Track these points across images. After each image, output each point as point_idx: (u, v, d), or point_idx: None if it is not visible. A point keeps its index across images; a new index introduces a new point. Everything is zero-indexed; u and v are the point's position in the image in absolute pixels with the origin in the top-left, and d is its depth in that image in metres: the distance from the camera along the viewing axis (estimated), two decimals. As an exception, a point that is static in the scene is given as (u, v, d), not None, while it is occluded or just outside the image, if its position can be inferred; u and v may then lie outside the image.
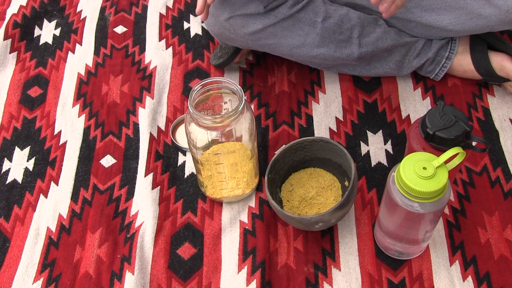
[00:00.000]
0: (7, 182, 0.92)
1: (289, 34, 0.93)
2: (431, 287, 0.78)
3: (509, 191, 0.88)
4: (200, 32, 1.14)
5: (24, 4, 1.18)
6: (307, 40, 0.93)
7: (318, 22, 0.91)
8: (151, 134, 0.96)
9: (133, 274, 0.79)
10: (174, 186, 0.90)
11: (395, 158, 0.92)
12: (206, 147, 0.77)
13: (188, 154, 0.94)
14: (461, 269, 0.80)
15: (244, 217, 0.86)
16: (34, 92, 1.05)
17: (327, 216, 0.75)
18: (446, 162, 0.66)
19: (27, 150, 0.96)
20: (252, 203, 0.88)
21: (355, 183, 0.77)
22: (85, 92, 1.04)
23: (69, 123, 1.00)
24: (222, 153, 0.78)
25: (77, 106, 1.02)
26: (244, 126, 0.76)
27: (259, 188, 0.89)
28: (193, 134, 0.75)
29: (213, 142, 0.76)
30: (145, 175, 0.91)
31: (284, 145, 0.94)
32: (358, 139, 0.95)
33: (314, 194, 0.84)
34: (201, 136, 0.75)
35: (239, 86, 0.73)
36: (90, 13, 1.19)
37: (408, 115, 0.98)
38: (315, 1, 0.92)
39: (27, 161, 0.95)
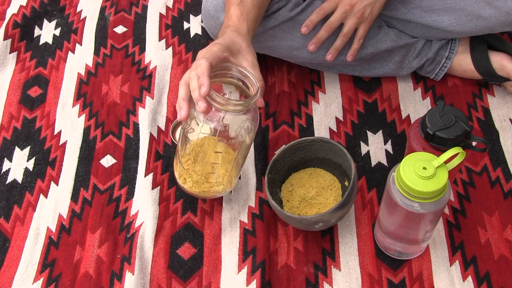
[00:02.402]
0: (7, 182, 0.92)
1: (289, 36, 0.93)
2: (431, 287, 0.78)
3: (509, 191, 0.88)
4: (200, 32, 1.14)
5: (24, 4, 1.18)
6: (307, 42, 0.93)
7: (318, 24, 0.91)
8: (151, 134, 0.96)
9: (133, 274, 0.79)
10: (174, 186, 0.90)
11: (395, 158, 0.92)
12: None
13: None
14: (461, 269, 0.80)
15: (244, 217, 0.86)
16: (34, 92, 1.05)
17: (327, 216, 0.75)
18: (446, 162, 0.66)
19: (27, 150, 0.96)
20: (252, 203, 0.88)
21: (355, 183, 0.77)
22: (85, 92, 1.04)
23: (69, 123, 1.00)
24: (226, 140, 0.75)
25: (77, 106, 1.02)
26: (245, 123, 0.74)
27: (259, 188, 0.89)
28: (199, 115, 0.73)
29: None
30: (145, 175, 0.91)
31: (284, 145, 0.94)
32: (358, 139, 0.95)
33: (314, 194, 0.84)
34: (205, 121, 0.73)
35: (255, 76, 0.72)
36: (90, 13, 1.19)
37: (408, 115, 0.98)
38: (315, 3, 0.92)
39: (27, 161, 0.95)
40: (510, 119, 0.97)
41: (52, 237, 0.85)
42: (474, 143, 0.72)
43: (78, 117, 1.00)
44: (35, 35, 1.15)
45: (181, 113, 0.71)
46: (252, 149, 0.94)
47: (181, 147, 0.79)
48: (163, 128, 0.98)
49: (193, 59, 1.09)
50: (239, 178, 0.88)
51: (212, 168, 0.79)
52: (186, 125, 0.76)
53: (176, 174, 0.83)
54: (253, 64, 0.74)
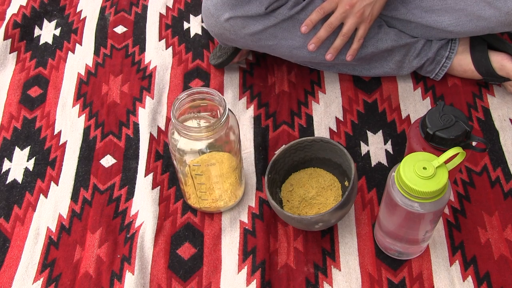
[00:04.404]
0: (7, 182, 0.92)
1: (289, 35, 0.93)
2: (431, 287, 0.78)
3: (509, 191, 0.88)
4: (200, 32, 1.14)
5: (24, 4, 1.18)
6: (307, 41, 0.93)
7: (319, 23, 0.91)
8: (151, 134, 0.96)
9: (133, 274, 0.79)
10: (174, 186, 0.90)
11: (395, 158, 0.92)
12: (192, 154, 0.76)
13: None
14: (461, 269, 0.80)
15: (244, 217, 0.86)
16: (34, 92, 1.05)
17: (327, 216, 0.75)
18: (446, 162, 0.66)
19: (27, 150, 0.96)
20: (252, 203, 0.88)
21: (355, 183, 0.77)
22: (85, 92, 1.04)
23: (69, 123, 1.00)
24: (202, 165, 0.76)
25: (77, 106, 1.02)
26: (227, 138, 0.74)
27: (259, 188, 0.89)
28: (176, 142, 0.74)
29: (199, 152, 0.75)
30: (145, 175, 0.91)
31: (284, 145, 0.94)
32: (358, 139, 0.95)
33: (314, 194, 0.84)
34: (184, 146, 0.74)
35: (222, 97, 0.72)
36: (90, 13, 1.19)
37: (408, 115, 0.98)
38: (315, 2, 0.92)
39: (27, 161, 0.95)
40: (510, 119, 0.97)
41: (52, 237, 0.85)
42: (474, 143, 0.72)
43: (78, 117, 1.00)
44: (35, 35, 1.15)
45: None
46: (252, 149, 0.94)
47: (179, 168, 0.79)
48: (163, 128, 0.98)
49: (193, 59, 1.09)
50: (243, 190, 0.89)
51: (214, 184, 0.80)
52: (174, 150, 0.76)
53: (182, 192, 0.85)
54: None
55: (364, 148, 0.94)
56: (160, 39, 1.12)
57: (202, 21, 1.15)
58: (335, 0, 0.89)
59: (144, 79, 1.06)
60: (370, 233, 0.84)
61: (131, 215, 0.87)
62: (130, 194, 0.90)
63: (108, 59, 1.10)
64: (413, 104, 1.00)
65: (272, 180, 0.83)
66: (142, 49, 1.11)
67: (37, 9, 1.19)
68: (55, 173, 0.93)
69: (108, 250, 0.83)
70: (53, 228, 0.86)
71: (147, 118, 0.98)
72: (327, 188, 0.85)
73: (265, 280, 0.79)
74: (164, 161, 0.93)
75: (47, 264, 0.83)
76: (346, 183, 0.83)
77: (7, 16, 1.16)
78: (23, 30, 1.15)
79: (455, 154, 0.68)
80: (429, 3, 0.91)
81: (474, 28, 0.91)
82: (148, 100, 1.02)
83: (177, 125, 0.70)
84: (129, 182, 0.91)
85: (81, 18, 1.18)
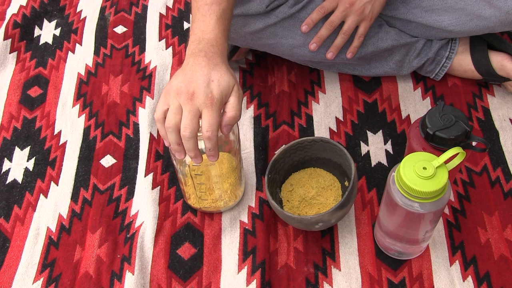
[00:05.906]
0: (7, 182, 0.92)
1: (290, 34, 0.93)
2: (431, 287, 0.78)
3: (509, 191, 0.88)
4: (200, 32, 1.13)
5: (24, 4, 1.18)
6: (307, 40, 0.93)
7: (319, 22, 0.91)
8: (151, 134, 0.96)
9: (133, 274, 0.79)
10: (174, 186, 0.90)
11: (395, 158, 0.92)
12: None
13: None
14: (461, 269, 0.80)
15: (244, 217, 0.86)
16: (34, 92, 1.05)
17: (327, 216, 0.75)
18: (446, 162, 0.66)
19: (27, 150, 0.96)
20: (252, 203, 0.88)
21: (355, 183, 0.77)
22: (85, 92, 1.04)
23: (69, 123, 1.00)
24: (201, 165, 0.75)
25: (77, 106, 1.02)
26: (226, 138, 0.74)
27: (259, 188, 0.89)
28: None
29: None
30: (145, 175, 0.91)
31: (284, 145, 0.94)
32: (358, 139, 0.95)
33: (314, 194, 0.84)
34: None
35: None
36: (90, 13, 1.19)
37: (408, 115, 0.98)
38: (315, 1, 0.92)
39: (27, 161, 0.95)
40: (510, 119, 0.97)
41: (52, 237, 0.85)
42: (474, 143, 0.72)
43: (78, 117, 1.00)
44: (35, 35, 1.15)
45: (181, 155, 0.68)
46: (252, 149, 0.94)
47: (179, 168, 0.79)
48: (163, 128, 0.98)
49: (193, 59, 1.08)
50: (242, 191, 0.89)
51: (213, 184, 0.80)
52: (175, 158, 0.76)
53: (182, 192, 0.84)
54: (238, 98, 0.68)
55: (364, 148, 0.94)
56: (160, 39, 1.12)
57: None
58: None
59: (144, 79, 1.06)
60: (370, 233, 0.84)
61: (131, 215, 0.87)
62: (130, 194, 0.90)
63: (108, 59, 1.10)
64: (413, 104, 1.00)
65: (272, 180, 0.83)
66: (142, 49, 1.11)
67: (37, 9, 1.19)
68: (55, 173, 0.93)
69: (108, 250, 0.83)
70: (53, 228, 0.86)
71: (147, 118, 0.98)
72: (327, 188, 0.85)
73: (265, 280, 0.79)
74: (164, 161, 0.93)
75: (47, 264, 0.83)
76: (346, 183, 0.83)
77: (7, 16, 1.16)
78: (23, 30, 1.15)
79: (455, 154, 0.68)
80: (429, 2, 0.91)
81: (474, 28, 0.91)
82: (148, 100, 1.02)
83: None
84: (129, 182, 0.91)
85: (81, 18, 1.18)
